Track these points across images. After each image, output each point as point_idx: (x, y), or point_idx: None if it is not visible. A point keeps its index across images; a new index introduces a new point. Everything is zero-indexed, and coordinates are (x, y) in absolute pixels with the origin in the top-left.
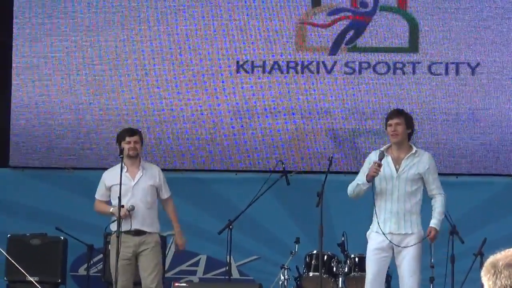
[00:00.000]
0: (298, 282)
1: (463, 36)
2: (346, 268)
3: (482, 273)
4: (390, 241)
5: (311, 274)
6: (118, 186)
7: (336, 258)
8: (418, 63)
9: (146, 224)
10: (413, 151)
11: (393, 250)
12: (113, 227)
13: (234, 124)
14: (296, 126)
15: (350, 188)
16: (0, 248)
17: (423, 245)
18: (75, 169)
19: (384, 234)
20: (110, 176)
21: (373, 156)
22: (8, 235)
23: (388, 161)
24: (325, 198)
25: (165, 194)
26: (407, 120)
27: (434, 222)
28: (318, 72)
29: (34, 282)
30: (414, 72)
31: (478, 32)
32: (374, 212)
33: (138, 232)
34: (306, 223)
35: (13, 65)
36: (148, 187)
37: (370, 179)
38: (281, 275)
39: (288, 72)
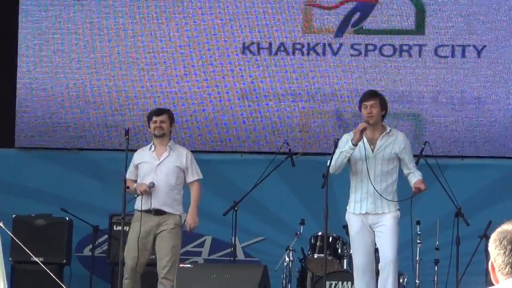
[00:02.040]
0: (303, 264)
1: (469, 18)
2: (351, 250)
3: (490, 241)
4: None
5: (316, 255)
6: (144, 164)
7: (341, 239)
8: (424, 45)
9: (167, 204)
10: (387, 130)
11: (372, 229)
12: (137, 205)
13: (239, 105)
14: (302, 108)
15: (332, 161)
16: (5, 228)
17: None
18: (80, 150)
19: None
20: (138, 155)
21: (347, 137)
22: (13, 216)
23: (363, 141)
24: (330, 179)
25: (191, 177)
26: (382, 101)
27: (416, 176)
28: (324, 54)
29: (39, 262)
30: (420, 55)
31: (485, 15)
32: (350, 193)
33: (158, 212)
34: (311, 204)
35: (19, 46)
36: (172, 168)
37: (357, 139)
38: (286, 257)
39: (294, 54)
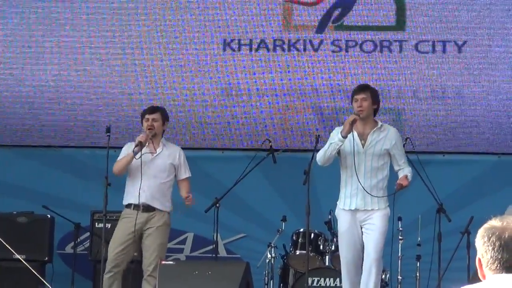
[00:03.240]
0: (285, 260)
1: (449, 14)
2: (333, 246)
3: (478, 237)
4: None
5: (298, 252)
6: (141, 157)
7: (323, 236)
8: (405, 41)
9: (156, 199)
10: (379, 125)
11: (361, 226)
12: (126, 200)
13: (220, 102)
14: (283, 104)
15: (321, 153)
16: None
17: (397, 223)
18: (62, 148)
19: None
20: (129, 148)
21: (338, 129)
22: None
23: (353, 136)
24: (312, 176)
25: (183, 175)
26: (373, 95)
27: (405, 172)
28: (305, 50)
29: (21, 259)
30: (401, 50)
31: (465, 10)
32: (341, 188)
33: (147, 208)
34: (293, 201)
35: None
36: (165, 164)
37: (347, 131)
38: (268, 253)
39: (275, 50)
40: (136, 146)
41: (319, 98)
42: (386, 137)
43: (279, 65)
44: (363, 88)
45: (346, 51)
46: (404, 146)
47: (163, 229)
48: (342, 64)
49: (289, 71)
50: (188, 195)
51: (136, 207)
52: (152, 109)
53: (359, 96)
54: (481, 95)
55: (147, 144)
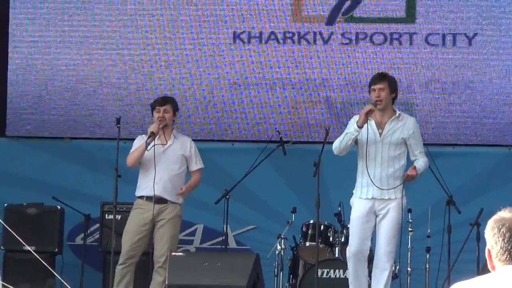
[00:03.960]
0: (294, 252)
1: (460, 6)
2: (343, 238)
3: (488, 229)
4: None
5: (307, 243)
6: (153, 148)
7: (332, 228)
8: (415, 33)
9: (168, 191)
10: (397, 114)
11: (376, 215)
12: (138, 192)
13: (231, 94)
14: (293, 96)
15: (337, 143)
16: None
17: (407, 214)
18: (72, 139)
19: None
20: (140, 140)
21: (356, 118)
22: (5, 205)
23: (371, 124)
24: (322, 168)
25: (194, 166)
26: (391, 84)
27: (416, 165)
28: (315, 42)
29: (31, 251)
30: (411, 43)
31: (476, 3)
32: (357, 177)
33: (159, 200)
34: (303, 193)
35: (10, 33)
36: (177, 156)
37: (362, 122)
38: (278, 245)
39: (285, 42)
40: (148, 137)
41: (329, 90)
42: (403, 126)
43: (288, 57)
44: (381, 78)
45: (356, 43)
46: None
47: (175, 221)
48: (352, 56)
49: (298, 64)
50: (182, 189)
51: (149, 198)
52: (163, 100)
53: (376, 86)
54: (491, 87)
55: (158, 135)
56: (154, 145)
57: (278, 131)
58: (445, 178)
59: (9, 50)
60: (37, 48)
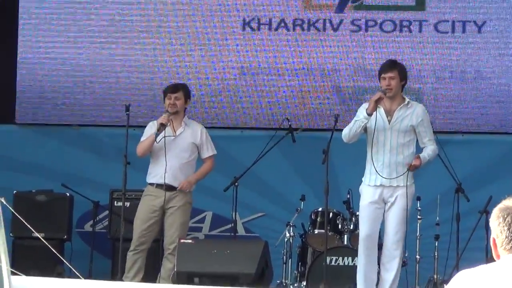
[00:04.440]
0: (303, 239)
1: None
2: (351, 225)
3: (493, 217)
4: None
5: (316, 231)
6: (163, 138)
7: (341, 215)
8: (425, 21)
9: (178, 180)
10: (406, 102)
11: (384, 202)
12: (149, 179)
13: (240, 81)
14: (302, 84)
15: (346, 130)
16: (7, 204)
17: (416, 202)
18: (81, 126)
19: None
20: (152, 128)
21: (365, 106)
22: (14, 192)
23: (380, 112)
24: (331, 155)
25: (206, 153)
26: (401, 72)
27: (421, 154)
28: (324, 30)
29: (40, 238)
30: (420, 30)
31: None
32: (366, 164)
33: (169, 188)
34: (311, 180)
35: (20, 20)
36: (187, 144)
37: (372, 109)
38: (287, 232)
39: (294, 30)
40: (158, 129)
41: (338, 77)
42: (412, 113)
43: (298, 45)
44: (391, 66)
45: (366, 30)
46: None
47: (185, 208)
48: (362, 44)
49: (308, 51)
50: (182, 184)
51: (159, 186)
52: (174, 87)
53: (387, 75)
54: (501, 75)
55: (168, 124)
56: (164, 137)
57: (287, 118)
58: (454, 166)
59: (18, 38)
60: (47, 36)
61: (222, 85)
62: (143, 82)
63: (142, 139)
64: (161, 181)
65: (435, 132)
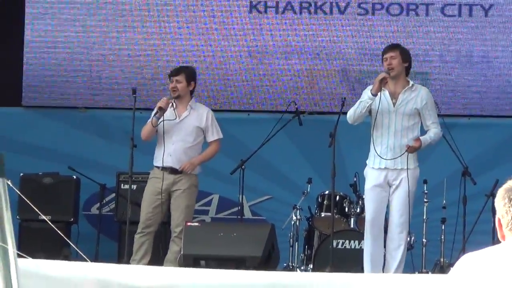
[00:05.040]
0: (310, 222)
1: None
2: (358, 209)
3: (498, 198)
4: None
5: (323, 214)
6: (164, 121)
7: (348, 198)
8: (431, 4)
9: (183, 163)
10: (410, 85)
11: (389, 185)
12: (155, 162)
13: (247, 64)
14: (309, 67)
15: (351, 111)
16: (13, 187)
17: (422, 185)
18: (88, 109)
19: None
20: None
21: (369, 88)
22: (21, 174)
23: (385, 95)
24: (337, 139)
25: (211, 137)
26: (403, 53)
27: (423, 136)
28: (331, 12)
29: (47, 220)
30: (427, 14)
31: None
32: (370, 147)
33: (174, 171)
34: (318, 163)
35: (27, 3)
36: (192, 127)
37: (376, 89)
38: (293, 215)
39: (301, 13)
40: (156, 113)
41: (345, 61)
42: (417, 96)
43: (305, 27)
44: (392, 47)
45: (373, 14)
46: None
47: (191, 191)
48: (369, 27)
49: (314, 34)
50: (184, 165)
51: (164, 169)
52: (176, 71)
53: (388, 55)
54: (507, 58)
55: (174, 107)
56: (163, 120)
57: (294, 101)
58: (460, 149)
59: (25, 21)
60: (54, 19)
61: (229, 68)
62: (150, 65)
63: (147, 122)
64: (164, 164)
65: (441, 115)
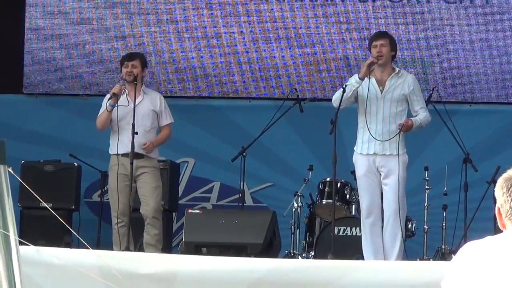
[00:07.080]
0: (311, 209)
1: None
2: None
3: (497, 187)
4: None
5: (324, 201)
6: (119, 107)
7: (349, 185)
8: None
9: (141, 148)
10: (396, 71)
11: (379, 172)
12: (111, 150)
13: (248, 51)
14: (310, 54)
15: (337, 94)
16: (14, 174)
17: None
18: (88, 96)
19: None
20: (107, 98)
21: (355, 75)
22: (22, 162)
23: (372, 82)
24: (338, 125)
25: (164, 120)
26: (391, 42)
27: (413, 118)
28: (332, 0)
29: (48, 208)
30: (428, 1)
31: None
32: (358, 133)
33: (136, 155)
34: (319, 150)
35: None
36: (148, 111)
37: (364, 74)
38: (295, 202)
39: (302, 0)
40: (109, 98)
41: (346, 48)
42: (404, 82)
43: (306, 15)
44: (382, 34)
45: (374, 1)
46: (431, 95)
47: (155, 172)
48: (369, 14)
49: (315, 21)
50: (146, 143)
51: (125, 155)
52: (131, 56)
53: (378, 42)
54: (508, 44)
55: (126, 93)
56: (117, 106)
57: (295, 88)
58: (461, 136)
59: (26, 8)
60: (55, 7)
61: (230, 55)
62: (150, 52)
63: (99, 112)
64: (126, 151)
65: (443, 102)
